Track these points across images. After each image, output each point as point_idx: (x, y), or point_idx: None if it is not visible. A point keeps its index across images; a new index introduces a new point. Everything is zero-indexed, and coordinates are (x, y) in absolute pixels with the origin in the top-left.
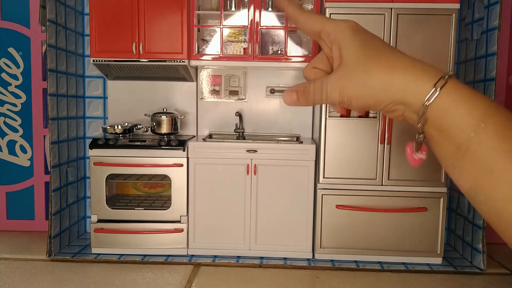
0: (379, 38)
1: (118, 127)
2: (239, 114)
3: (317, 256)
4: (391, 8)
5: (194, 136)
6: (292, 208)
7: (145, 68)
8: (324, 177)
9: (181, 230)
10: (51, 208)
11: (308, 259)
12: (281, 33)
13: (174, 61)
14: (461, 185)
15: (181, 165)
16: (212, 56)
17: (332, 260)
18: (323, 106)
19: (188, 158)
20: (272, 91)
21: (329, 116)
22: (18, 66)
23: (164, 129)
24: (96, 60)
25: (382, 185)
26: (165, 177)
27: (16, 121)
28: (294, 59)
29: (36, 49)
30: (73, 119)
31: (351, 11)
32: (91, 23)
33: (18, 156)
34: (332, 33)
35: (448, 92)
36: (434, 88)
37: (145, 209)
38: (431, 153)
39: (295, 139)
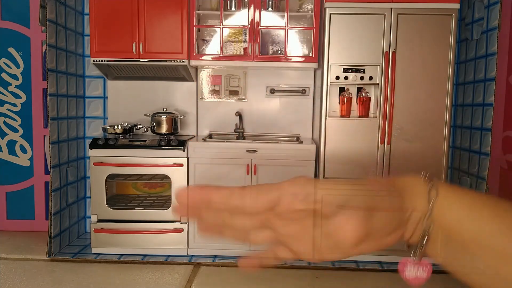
0: None
1: (118, 127)
2: (239, 114)
3: None
4: (391, 8)
5: (194, 136)
6: None
7: (145, 68)
8: (324, 177)
9: (181, 230)
10: (51, 208)
11: None
12: (281, 33)
13: (174, 61)
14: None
15: (181, 165)
16: (212, 56)
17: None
18: (323, 106)
19: (188, 158)
20: (272, 91)
21: (329, 116)
22: (18, 66)
23: (164, 129)
24: (96, 60)
25: None
26: (165, 177)
27: (16, 121)
28: (294, 59)
29: (36, 49)
30: (73, 119)
31: (351, 11)
32: (91, 23)
33: (18, 156)
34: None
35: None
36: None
37: (145, 209)
38: None
39: (295, 139)
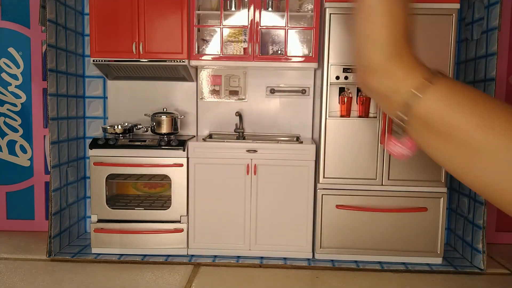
0: None
1: (118, 127)
2: (239, 114)
3: (317, 256)
4: None
5: (194, 136)
6: (292, 208)
7: (145, 68)
8: (324, 177)
9: (181, 230)
10: (51, 208)
11: (308, 259)
12: (281, 33)
13: (174, 61)
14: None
15: (181, 165)
16: (212, 56)
17: (332, 260)
18: (323, 106)
19: (188, 158)
20: (272, 91)
21: (329, 116)
22: (18, 66)
23: (164, 129)
24: (96, 60)
25: (382, 185)
26: (165, 177)
27: (16, 121)
28: (294, 59)
29: (36, 49)
30: (73, 119)
31: (351, 11)
32: (91, 23)
33: (18, 156)
34: None
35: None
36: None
37: (145, 209)
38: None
39: (295, 139)
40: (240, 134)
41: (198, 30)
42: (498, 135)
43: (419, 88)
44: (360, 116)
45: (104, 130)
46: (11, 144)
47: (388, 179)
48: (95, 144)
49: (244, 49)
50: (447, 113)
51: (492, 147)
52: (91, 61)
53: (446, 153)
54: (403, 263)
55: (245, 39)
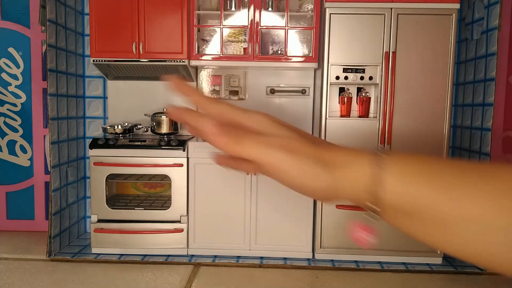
0: None
1: (118, 127)
2: None
3: (317, 256)
4: (391, 8)
5: (194, 136)
6: (292, 208)
7: (145, 68)
8: None
9: (181, 230)
10: (51, 208)
11: (308, 259)
12: (281, 33)
13: (174, 61)
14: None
15: (181, 165)
16: (212, 56)
17: (332, 260)
18: (323, 106)
19: (188, 158)
20: (272, 91)
21: (329, 116)
22: (18, 66)
23: (164, 129)
24: (96, 60)
25: None
26: (165, 177)
27: (16, 121)
28: (294, 59)
29: (36, 49)
30: (73, 119)
31: (351, 11)
32: (91, 23)
33: (18, 156)
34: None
35: (391, 165)
36: (377, 166)
37: (145, 209)
38: None
39: None
40: None
41: (198, 30)
42: (459, 202)
43: (373, 167)
44: (360, 116)
45: (104, 130)
46: (11, 144)
47: None
48: (95, 144)
49: (244, 49)
50: (409, 193)
51: (457, 216)
52: (91, 61)
53: (422, 231)
54: (403, 263)
55: (245, 39)
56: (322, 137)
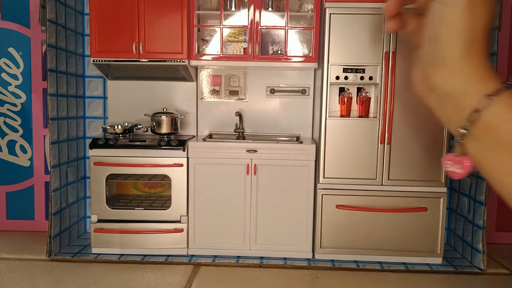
0: None
1: (118, 127)
2: (239, 114)
3: (317, 256)
4: None
5: (194, 136)
6: (292, 208)
7: (145, 68)
8: (324, 177)
9: (181, 230)
10: (51, 208)
11: (308, 259)
12: (281, 33)
13: (174, 61)
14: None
15: (181, 165)
16: (212, 56)
17: (332, 260)
18: (323, 106)
19: (188, 158)
20: (272, 91)
21: (329, 116)
22: (18, 66)
23: (164, 129)
24: (96, 60)
25: (382, 185)
26: (165, 177)
27: (16, 121)
28: (294, 59)
29: (36, 49)
30: (73, 119)
31: (351, 11)
32: (91, 23)
33: (18, 156)
34: None
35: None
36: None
37: (145, 209)
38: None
39: (295, 139)
40: (240, 134)
41: (198, 30)
42: None
43: (493, 93)
44: (360, 116)
45: (104, 130)
46: (11, 144)
47: (388, 179)
48: (95, 144)
49: (244, 49)
50: None
51: None
52: (91, 61)
53: (508, 165)
54: (403, 263)
55: (245, 39)
56: (322, 137)
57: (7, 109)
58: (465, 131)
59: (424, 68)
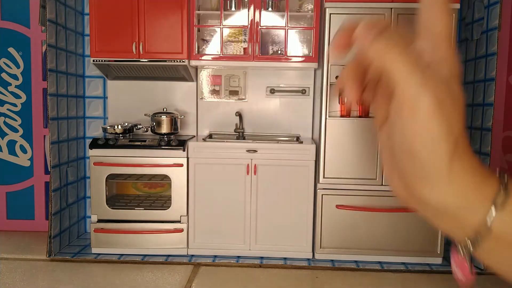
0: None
1: (118, 127)
2: (239, 114)
3: (317, 256)
4: (391, 8)
5: (194, 136)
6: (292, 208)
7: (145, 68)
8: (324, 177)
9: (181, 230)
10: (51, 208)
11: (308, 259)
12: (281, 33)
13: (174, 61)
14: None
15: (181, 165)
16: (212, 56)
17: (332, 260)
18: (323, 105)
19: (188, 158)
20: (272, 91)
21: (329, 116)
22: (18, 66)
23: (164, 129)
24: (96, 60)
25: (382, 185)
26: (165, 177)
27: (16, 121)
28: (294, 59)
29: (36, 49)
30: (73, 119)
31: (351, 11)
32: (91, 23)
33: (18, 156)
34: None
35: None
36: (493, 205)
37: (145, 209)
38: None
39: (295, 139)
40: (240, 134)
41: (198, 30)
42: None
43: (497, 200)
44: (360, 116)
45: (104, 130)
46: (11, 144)
47: None
48: (95, 144)
49: (244, 49)
50: None
51: None
52: (91, 61)
53: None
54: (403, 263)
55: (245, 39)
56: (322, 137)
57: (7, 109)
58: (473, 243)
59: (404, 178)
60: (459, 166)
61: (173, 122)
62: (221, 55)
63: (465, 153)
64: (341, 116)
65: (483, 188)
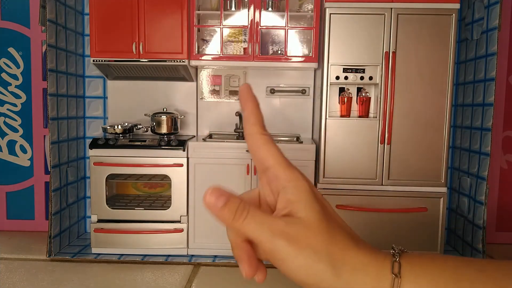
0: (334, 212)
1: (118, 127)
2: (239, 114)
3: None
4: (391, 8)
5: (194, 136)
6: None
7: (145, 68)
8: (324, 177)
9: (181, 230)
10: (51, 208)
11: None
12: (281, 33)
13: (174, 61)
14: None
15: (181, 165)
16: (212, 56)
17: None
18: (323, 106)
19: (188, 158)
20: (272, 91)
21: (329, 116)
22: (18, 66)
23: (164, 129)
24: (96, 60)
25: (382, 185)
26: (165, 177)
27: (16, 121)
28: (294, 59)
29: (36, 49)
30: (73, 119)
31: (351, 11)
32: (91, 23)
33: (18, 156)
34: (284, 181)
35: (408, 273)
36: (394, 276)
37: (145, 209)
38: None
39: (295, 139)
40: (240, 134)
41: (198, 30)
42: None
43: (395, 271)
44: (360, 116)
45: (104, 130)
46: (11, 144)
47: (388, 179)
48: (95, 144)
49: (244, 49)
50: None
51: None
52: (91, 61)
53: None
54: None
55: (245, 39)
56: (322, 137)
57: (7, 109)
58: None
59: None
60: (347, 271)
61: (173, 122)
62: (221, 55)
63: (348, 255)
64: (341, 116)
65: (379, 268)
